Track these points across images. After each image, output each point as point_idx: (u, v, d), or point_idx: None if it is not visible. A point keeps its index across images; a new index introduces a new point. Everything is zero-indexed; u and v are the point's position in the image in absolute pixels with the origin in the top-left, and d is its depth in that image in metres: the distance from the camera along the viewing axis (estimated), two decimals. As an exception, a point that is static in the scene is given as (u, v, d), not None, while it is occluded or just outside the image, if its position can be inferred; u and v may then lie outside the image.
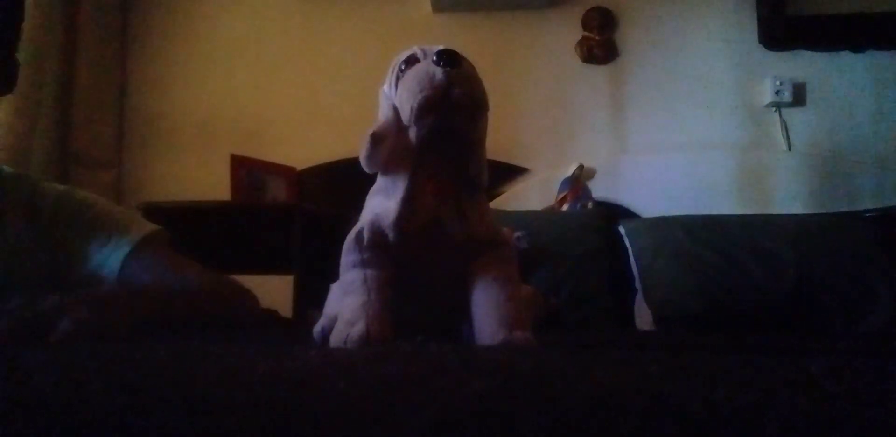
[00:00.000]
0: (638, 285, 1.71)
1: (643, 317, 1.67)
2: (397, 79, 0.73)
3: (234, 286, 1.12)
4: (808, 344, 0.99)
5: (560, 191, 2.05)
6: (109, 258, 1.02)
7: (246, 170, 2.08)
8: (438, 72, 0.67)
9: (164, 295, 0.97)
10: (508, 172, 2.15)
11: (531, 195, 2.12)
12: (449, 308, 0.78)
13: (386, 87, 0.76)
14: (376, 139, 0.71)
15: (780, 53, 2.21)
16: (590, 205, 2.01)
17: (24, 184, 1.05)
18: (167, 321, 0.90)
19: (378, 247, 0.72)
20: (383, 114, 0.75)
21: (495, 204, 2.03)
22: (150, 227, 1.08)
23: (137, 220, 1.10)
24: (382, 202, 0.74)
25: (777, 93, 2.15)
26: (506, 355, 0.54)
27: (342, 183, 1.62)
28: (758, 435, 0.28)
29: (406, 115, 0.70)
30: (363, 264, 0.72)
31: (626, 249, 1.78)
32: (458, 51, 0.70)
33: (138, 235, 1.04)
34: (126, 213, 1.12)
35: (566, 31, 2.27)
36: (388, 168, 0.74)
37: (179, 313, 0.95)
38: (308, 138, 2.26)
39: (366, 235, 0.72)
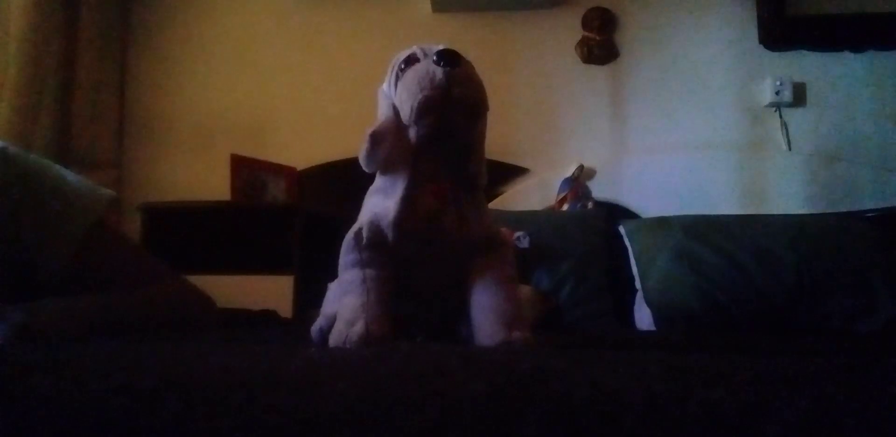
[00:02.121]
0: (638, 285, 1.71)
1: (643, 317, 1.67)
2: (397, 78, 0.72)
3: (192, 291, 1.05)
4: (808, 344, 0.99)
5: (560, 191, 2.05)
6: (67, 236, 0.88)
7: (246, 170, 2.08)
8: (438, 72, 0.67)
9: (113, 301, 0.88)
10: (508, 172, 2.15)
11: (531, 195, 2.12)
12: (448, 308, 0.77)
13: (385, 86, 0.76)
14: (375, 139, 0.71)
15: (780, 53, 2.21)
16: (590, 205, 2.01)
17: None
18: (119, 326, 0.84)
19: (377, 246, 0.72)
20: (383, 113, 0.75)
21: (495, 204, 2.03)
22: (105, 195, 0.95)
23: (91, 188, 0.95)
24: (381, 202, 0.74)
25: (777, 93, 2.15)
26: (505, 356, 0.54)
27: (342, 183, 1.62)
28: (758, 435, 0.28)
29: (406, 114, 0.69)
30: (362, 263, 0.71)
31: (626, 249, 1.78)
32: (458, 51, 0.70)
33: (97, 209, 0.91)
34: (79, 180, 0.95)
35: (566, 31, 2.27)
36: (388, 168, 0.74)
37: (131, 319, 0.88)
38: (308, 138, 2.26)
39: (364, 234, 0.72)
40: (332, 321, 0.71)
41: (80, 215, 0.90)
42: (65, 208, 0.89)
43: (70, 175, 0.95)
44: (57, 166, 0.95)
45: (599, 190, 2.09)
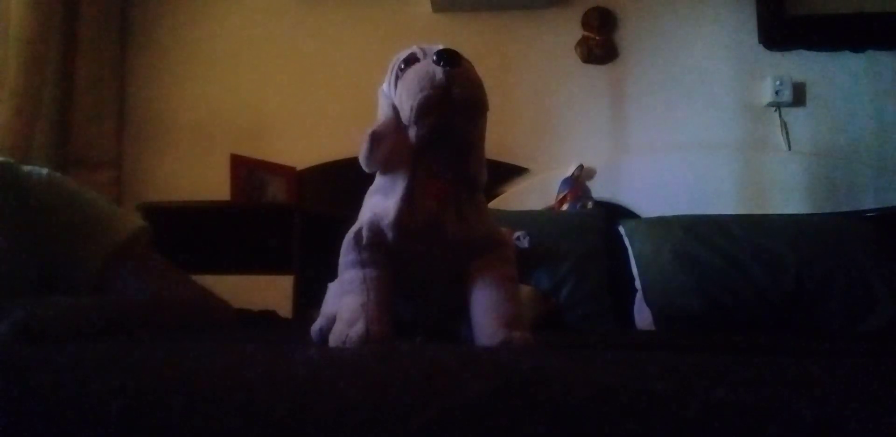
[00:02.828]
0: (638, 285, 1.71)
1: (643, 317, 1.67)
2: (397, 78, 0.72)
3: (211, 299, 1.08)
4: (808, 344, 0.99)
5: (560, 191, 2.05)
6: (91, 257, 0.95)
7: (246, 170, 2.08)
8: (438, 71, 0.67)
9: (122, 302, 0.92)
10: (508, 172, 2.14)
11: (531, 195, 2.12)
12: (448, 308, 0.77)
13: (385, 86, 0.76)
14: (375, 139, 0.71)
15: (780, 53, 2.21)
16: (590, 205, 2.01)
17: (7, 173, 0.96)
18: (129, 327, 0.86)
19: (377, 246, 0.72)
20: (383, 113, 0.75)
21: (495, 204, 2.03)
22: (135, 224, 1.03)
23: (123, 215, 1.04)
24: (381, 202, 0.74)
25: (777, 93, 2.15)
26: (505, 356, 0.54)
27: (342, 183, 1.62)
28: (758, 435, 0.28)
29: (406, 114, 0.69)
30: (362, 263, 0.71)
31: (626, 249, 1.78)
32: (458, 51, 0.70)
33: (123, 233, 0.98)
34: (111, 207, 1.05)
35: (566, 31, 2.27)
36: (387, 168, 0.74)
37: (140, 320, 0.91)
38: (308, 138, 2.26)
39: (364, 234, 0.72)
40: (332, 321, 0.71)
41: (106, 238, 0.97)
42: (92, 231, 0.96)
43: (103, 203, 1.03)
44: (92, 194, 1.03)
45: (599, 190, 2.09)
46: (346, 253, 0.73)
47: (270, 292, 1.84)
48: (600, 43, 2.25)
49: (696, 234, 1.69)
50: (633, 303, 1.74)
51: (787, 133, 2.16)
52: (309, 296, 1.69)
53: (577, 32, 2.26)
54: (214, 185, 2.10)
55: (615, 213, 1.98)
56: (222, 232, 1.96)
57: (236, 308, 1.45)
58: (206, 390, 0.36)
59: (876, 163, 2.10)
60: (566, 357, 0.50)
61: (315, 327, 0.80)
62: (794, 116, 2.18)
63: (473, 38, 2.26)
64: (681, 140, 2.19)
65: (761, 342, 0.98)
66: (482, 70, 0.73)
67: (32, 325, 0.76)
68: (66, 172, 2.01)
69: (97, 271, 0.96)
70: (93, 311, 0.87)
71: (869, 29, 2.17)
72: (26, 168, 0.99)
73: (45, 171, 0.99)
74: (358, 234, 0.73)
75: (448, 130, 0.71)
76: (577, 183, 2.06)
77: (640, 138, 2.22)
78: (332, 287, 0.83)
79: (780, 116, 2.17)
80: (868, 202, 2.00)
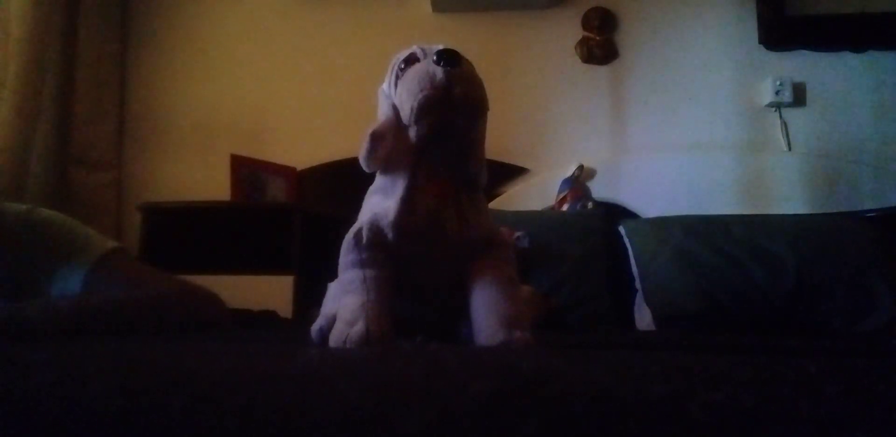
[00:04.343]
0: (638, 285, 1.71)
1: (643, 317, 1.67)
2: (397, 78, 0.72)
3: (200, 292, 1.11)
4: (808, 344, 0.99)
5: (560, 191, 2.05)
6: (70, 278, 1.01)
7: (246, 170, 2.08)
8: (438, 71, 0.67)
9: (112, 301, 0.96)
10: (508, 172, 2.14)
11: (531, 195, 2.12)
12: (448, 308, 0.77)
13: (385, 86, 0.76)
14: (375, 138, 0.71)
15: (780, 53, 2.21)
16: (590, 205, 2.01)
17: None
18: (122, 325, 0.89)
19: (377, 246, 0.72)
20: (383, 113, 0.75)
21: (495, 204, 2.03)
22: (110, 244, 1.08)
23: (97, 237, 1.10)
24: (381, 201, 0.74)
25: (777, 93, 2.15)
26: (505, 356, 0.54)
27: (342, 183, 1.62)
28: (758, 435, 0.28)
29: (406, 114, 0.69)
30: (362, 263, 0.71)
31: (626, 249, 1.78)
32: (458, 51, 0.70)
33: (98, 253, 1.04)
34: (87, 231, 1.11)
35: (566, 31, 2.27)
36: (388, 167, 0.74)
37: (133, 318, 0.94)
38: (308, 138, 2.26)
39: (364, 234, 0.72)
40: (332, 321, 0.71)
41: (81, 258, 1.04)
42: (68, 253, 1.04)
43: (81, 230, 1.10)
44: (69, 222, 1.11)
45: (599, 190, 2.09)
46: (346, 253, 0.73)
47: (270, 292, 1.84)
48: (600, 43, 2.25)
49: (696, 234, 1.69)
50: (633, 303, 1.74)
51: (787, 133, 2.16)
52: (309, 296, 1.69)
53: (577, 33, 2.26)
54: (214, 185, 2.10)
55: (615, 213, 1.98)
56: (222, 232, 1.96)
57: (236, 308, 1.45)
58: (206, 390, 0.36)
59: (876, 163, 2.10)
60: (566, 357, 0.50)
61: (315, 327, 0.80)
62: (794, 116, 2.18)
63: (473, 38, 2.26)
64: (681, 140, 2.19)
65: (761, 342, 0.98)
66: (482, 70, 0.73)
67: (16, 322, 0.78)
68: (66, 172, 2.01)
69: (79, 287, 1.02)
70: (74, 308, 0.90)
71: (869, 29, 2.17)
72: (4, 205, 1.10)
73: (23, 207, 1.10)
74: (358, 234, 0.73)
75: (448, 130, 0.71)
76: (577, 183, 2.06)
77: (640, 138, 2.22)
78: (332, 287, 0.83)
79: (780, 116, 2.17)
80: (868, 202, 2.00)
